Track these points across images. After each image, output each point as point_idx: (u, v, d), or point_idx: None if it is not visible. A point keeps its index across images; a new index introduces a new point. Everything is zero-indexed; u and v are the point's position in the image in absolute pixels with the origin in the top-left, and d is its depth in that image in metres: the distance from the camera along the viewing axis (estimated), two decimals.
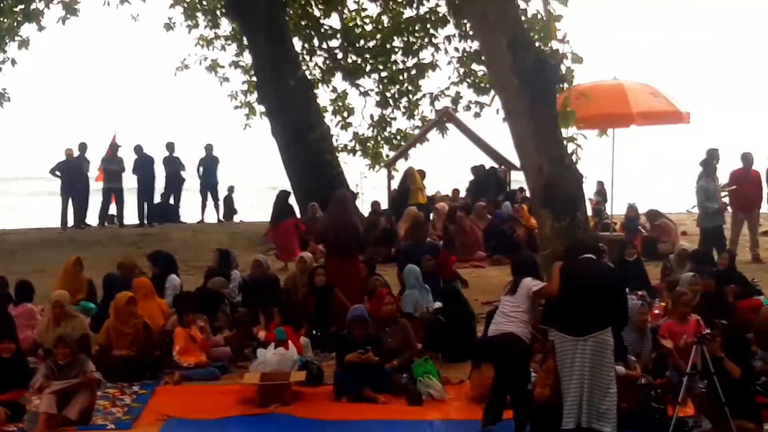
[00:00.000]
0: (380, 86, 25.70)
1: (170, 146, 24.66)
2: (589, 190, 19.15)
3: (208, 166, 25.02)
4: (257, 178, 46.10)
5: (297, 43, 24.45)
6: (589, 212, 17.89)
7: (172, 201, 25.29)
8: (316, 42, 25.25)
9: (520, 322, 8.92)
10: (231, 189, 27.26)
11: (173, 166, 24.51)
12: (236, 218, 26.76)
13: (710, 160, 17.72)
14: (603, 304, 8.62)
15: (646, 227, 19.85)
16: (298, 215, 20.27)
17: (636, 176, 35.83)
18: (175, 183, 24.88)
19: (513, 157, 16.73)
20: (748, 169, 18.15)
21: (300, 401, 9.96)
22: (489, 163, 25.20)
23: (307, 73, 24.53)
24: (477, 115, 24.47)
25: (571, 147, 12.87)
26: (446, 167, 39.63)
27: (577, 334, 8.53)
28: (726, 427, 8.33)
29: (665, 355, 10.12)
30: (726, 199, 18.37)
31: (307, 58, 25.30)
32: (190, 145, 27.19)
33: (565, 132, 12.86)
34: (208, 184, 25.15)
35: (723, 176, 18.68)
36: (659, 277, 14.47)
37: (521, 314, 8.95)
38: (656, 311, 12.04)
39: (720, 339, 9.02)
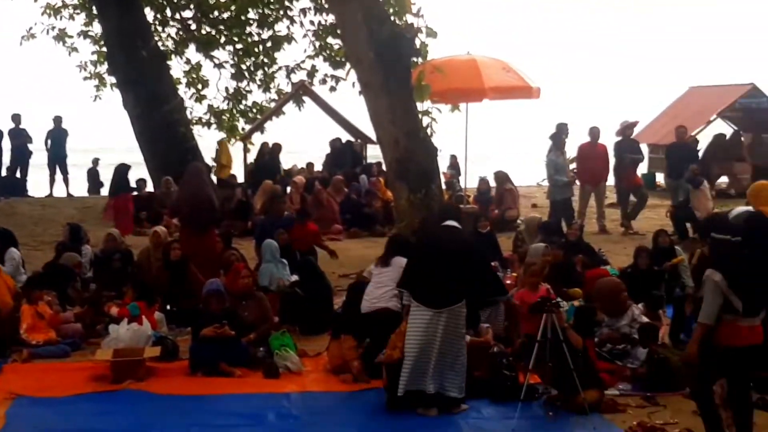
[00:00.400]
0: (235, 58, 25.37)
1: (16, 118, 23.84)
2: (442, 164, 19.38)
3: (57, 138, 24.25)
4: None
5: (149, 13, 23.85)
6: (444, 185, 18.17)
7: (18, 174, 24.44)
8: (168, 12, 24.67)
9: (393, 294, 9.09)
10: (95, 161, 26.47)
11: (20, 138, 23.69)
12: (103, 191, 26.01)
13: (559, 134, 18.20)
14: (460, 274, 8.71)
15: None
16: (151, 189, 19.96)
17: (489, 150, 36.50)
18: (21, 156, 24.04)
19: (369, 130, 16.80)
20: (595, 143, 18.70)
21: (154, 377, 9.80)
22: (345, 136, 25.26)
23: (159, 44, 23.98)
24: (333, 89, 24.46)
25: (426, 121, 13.01)
26: (303, 140, 39.55)
27: (433, 306, 8.65)
28: (574, 394, 8.59)
29: (518, 324, 10.37)
30: (574, 172, 18.94)
31: (160, 28, 24.70)
32: (39, 117, 26.32)
33: (420, 106, 12.99)
34: (57, 157, 24.38)
35: (572, 150, 19.26)
36: (511, 249, 14.81)
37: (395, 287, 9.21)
38: (508, 281, 12.31)
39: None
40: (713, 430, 7.55)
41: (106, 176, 24.29)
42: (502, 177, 20.18)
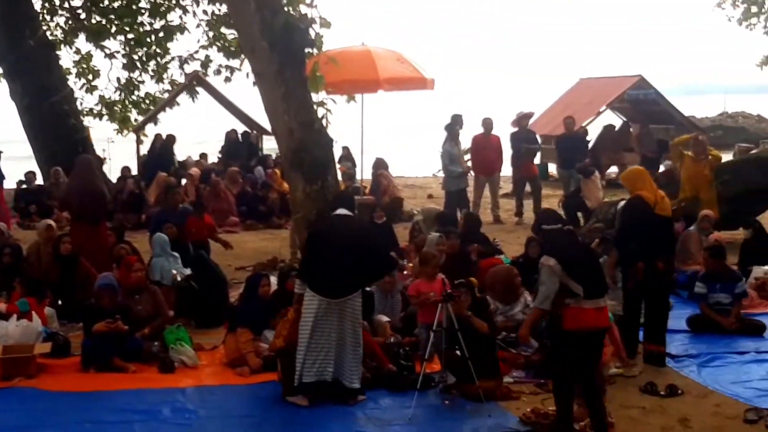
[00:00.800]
0: (127, 48, 24.90)
1: None
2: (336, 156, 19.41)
3: None
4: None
5: (37, 2, 23.23)
6: (340, 177, 18.19)
7: None
8: (57, 1, 24.10)
9: None
10: None
11: None
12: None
13: (453, 125, 18.38)
14: (356, 263, 8.71)
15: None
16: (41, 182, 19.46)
17: (385, 141, 36.63)
18: None
19: (265, 121, 16.66)
20: (489, 134, 18.94)
21: (46, 373, 9.58)
22: (241, 127, 25.07)
23: (48, 33, 23.39)
24: (228, 79, 24.23)
25: (321, 111, 12.98)
26: (197, 132, 39.11)
27: (330, 296, 8.65)
28: (470, 382, 8.69)
29: (414, 314, 10.44)
30: (469, 163, 19.15)
31: (48, 17, 24.11)
32: None
33: (315, 96, 12.95)
34: None
35: (466, 141, 19.46)
36: (408, 239, 14.91)
37: None
38: (405, 272, 12.40)
39: (467, 297, 9.41)
40: (563, 415, 7.71)
41: None
42: (378, 163, 20.31)
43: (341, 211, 9.11)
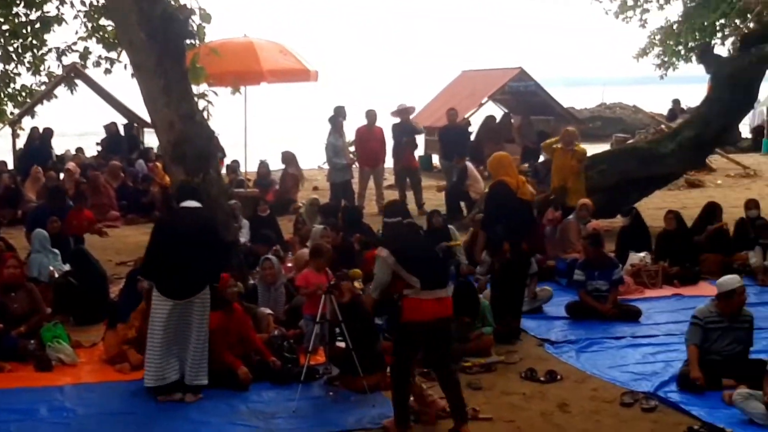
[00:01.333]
0: (2, 40, 24.10)
1: None
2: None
3: None
4: None
5: None
6: (225, 169, 18.03)
7: None
8: None
9: None
10: None
11: None
12: None
13: (337, 117, 18.38)
14: (199, 259, 8.55)
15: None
16: None
17: (271, 133, 36.41)
18: None
19: (146, 113, 16.33)
20: (372, 126, 18.98)
21: None
22: (122, 120, 24.62)
23: None
24: (108, 71, 23.67)
25: (202, 104, 12.82)
26: (77, 125, 38.23)
27: (177, 297, 8.50)
28: (354, 374, 8.70)
29: (298, 307, 10.43)
30: (353, 155, 19.18)
31: None
32: None
33: (196, 88, 12.78)
34: None
35: (350, 133, 19.47)
36: (292, 231, 14.87)
37: None
38: (289, 264, 12.37)
39: (349, 289, 9.41)
40: (399, 407, 7.83)
41: None
42: (288, 158, 20.18)
43: (188, 203, 8.90)
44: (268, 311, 10.50)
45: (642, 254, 13.33)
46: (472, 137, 23.10)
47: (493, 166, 10.68)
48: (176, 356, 8.55)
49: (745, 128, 30.93)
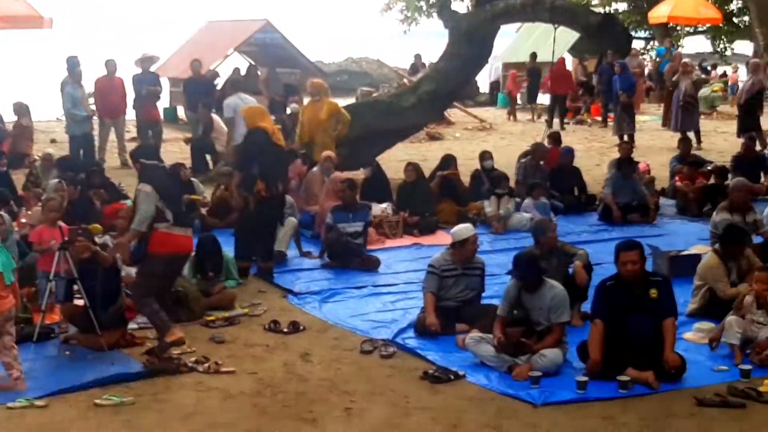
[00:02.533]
0: None
1: None
2: None
3: None
4: None
5: None
6: None
7: None
8: None
9: None
10: None
11: None
12: None
13: (74, 67, 17.62)
14: None
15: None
16: None
17: (4, 82, 34.56)
18: None
19: None
20: (112, 77, 18.36)
21: None
22: None
23: None
24: None
25: None
26: None
27: None
28: (93, 332, 8.47)
29: (33, 264, 9.98)
30: (93, 107, 18.50)
31: None
32: None
33: None
34: None
35: (90, 84, 18.72)
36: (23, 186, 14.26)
37: None
38: (23, 220, 11.84)
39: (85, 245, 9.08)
40: (157, 320, 8.45)
41: None
42: (19, 108, 19.14)
43: None
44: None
45: (383, 205, 13.65)
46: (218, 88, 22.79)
47: (250, 115, 11.49)
48: None
49: (483, 83, 32.26)
